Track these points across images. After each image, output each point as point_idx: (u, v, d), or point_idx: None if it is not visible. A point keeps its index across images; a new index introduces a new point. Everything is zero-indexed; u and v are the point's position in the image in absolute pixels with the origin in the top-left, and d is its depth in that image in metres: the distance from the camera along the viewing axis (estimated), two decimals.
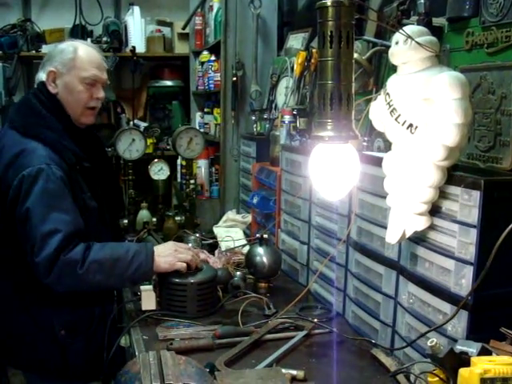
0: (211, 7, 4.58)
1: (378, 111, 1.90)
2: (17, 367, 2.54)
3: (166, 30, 5.49)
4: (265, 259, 2.63)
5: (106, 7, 5.35)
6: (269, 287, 2.68)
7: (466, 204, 1.62)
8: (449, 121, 1.62)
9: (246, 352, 2.05)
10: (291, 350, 2.08)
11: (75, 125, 2.48)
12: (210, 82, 4.56)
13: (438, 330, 1.72)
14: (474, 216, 1.59)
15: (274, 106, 3.74)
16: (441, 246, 1.75)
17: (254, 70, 4.03)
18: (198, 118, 5.10)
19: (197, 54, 5.04)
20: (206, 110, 4.94)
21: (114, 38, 5.19)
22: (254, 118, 3.89)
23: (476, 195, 1.58)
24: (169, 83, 5.55)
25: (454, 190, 1.68)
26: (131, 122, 4.98)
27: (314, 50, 3.09)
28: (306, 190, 2.67)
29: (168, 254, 2.38)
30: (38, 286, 2.31)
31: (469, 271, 1.62)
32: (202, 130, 4.40)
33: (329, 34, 1.63)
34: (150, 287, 2.45)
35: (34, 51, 5.05)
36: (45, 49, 4.94)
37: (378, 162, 1.96)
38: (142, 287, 2.45)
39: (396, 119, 1.78)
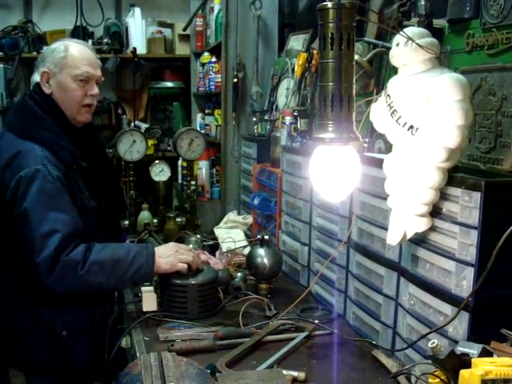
0: (212, 8, 4.58)
1: (378, 113, 1.90)
2: (18, 368, 2.55)
3: (167, 32, 5.49)
4: (266, 260, 2.63)
5: (106, 8, 5.35)
6: (270, 288, 2.68)
7: (467, 205, 1.62)
8: (449, 122, 1.62)
9: (246, 353, 2.05)
10: (292, 352, 2.08)
11: (72, 124, 2.47)
12: (211, 83, 4.56)
13: (438, 332, 1.72)
14: (474, 217, 1.59)
15: (274, 107, 3.74)
16: (441, 247, 1.75)
17: (255, 71, 4.03)
18: (198, 119, 5.11)
19: (198, 55, 5.04)
20: (206, 111, 4.94)
21: (115, 40, 5.19)
22: (254, 119, 3.90)
23: (477, 197, 1.58)
24: (170, 84, 5.55)
25: (455, 191, 1.68)
26: (132, 124, 4.97)
27: (314, 52, 3.09)
28: (306, 192, 2.67)
29: (169, 255, 2.38)
30: (38, 286, 2.32)
31: (469, 273, 1.62)
32: (202, 132, 4.40)
33: (330, 35, 1.63)
34: (151, 288, 2.45)
35: (35, 52, 5.03)
36: None
37: (378, 164, 1.96)
38: (142, 288, 2.45)
39: (397, 121, 1.78)
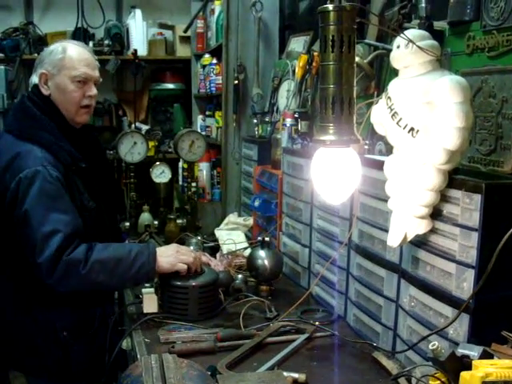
0: (213, 10, 4.59)
1: (379, 115, 1.90)
2: (19, 370, 2.55)
3: (168, 33, 5.49)
4: (266, 262, 2.63)
5: (107, 10, 5.34)
6: (270, 290, 2.68)
7: (467, 207, 1.62)
8: (450, 124, 1.63)
9: (247, 355, 2.05)
10: (293, 353, 2.08)
11: (70, 125, 2.47)
12: (212, 85, 4.56)
13: (439, 334, 1.72)
14: (475, 219, 1.60)
15: (275, 109, 3.75)
16: (442, 249, 1.75)
17: (256, 73, 4.03)
18: (199, 120, 5.11)
19: (198, 57, 5.05)
20: (207, 112, 4.95)
21: (116, 41, 5.19)
22: (255, 121, 3.90)
23: (477, 199, 1.58)
24: (170, 86, 5.55)
25: (455, 193, 1.68)
26: (133, 125, 4.98)
27: (315, 54, 3.09)
28: (307, 193, 2.67)
29: (170, 255, 2.39)
30: (38, 287, 2.33)
31: (470, 274, 1.62)
32: (203, 133, 4.40)
33: (330, 38, 1.64)
34: (152, 290, 2.45)
35: (36, 54, 5.02)
36: None
37: (379, 166, 1.96)
38: (143, 290, 2.46)
39: (397, 123, 1.78)
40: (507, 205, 1.60)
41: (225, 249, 3.20)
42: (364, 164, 1.93)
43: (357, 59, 1.78)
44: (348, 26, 1.63)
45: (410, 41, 1.73)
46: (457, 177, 1.72)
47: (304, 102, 3.24)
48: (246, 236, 3.49)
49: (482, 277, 1.57)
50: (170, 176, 3.98)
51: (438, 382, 1.53)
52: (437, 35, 2.04)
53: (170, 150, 4.79)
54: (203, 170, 4.53)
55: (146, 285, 2.54)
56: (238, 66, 4.06)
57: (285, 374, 1.83)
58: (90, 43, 5.14)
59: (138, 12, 5.29)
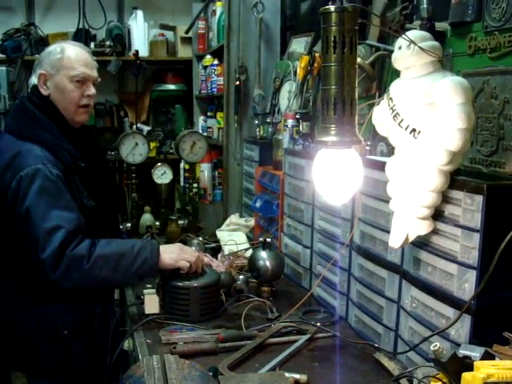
0: (214, 11, 4.59)
1: (381, 116, 1.90)
2: (20, 370, 2.55)
3: (169, 34, 5.50)
4: (268, 263, 2.63)
5: (109, 11, 5.35)
6: (272, 291, 2.68)
7: (469, 208, 1.62)
8: (452, 125, 1.63)
9: (249, 356, 2.05)
10: (294, 354, 2.08)
11: (70, 125, 2.48)
12: (213, 85, 4.57)
13: (441, 335, 1.72)
14: (476, 220, 1.60)
15: (276, 109, 3.75)
16: (444, 250, 1.75)
17: (257, 73, 4.03)
18: (200, 121, 5.11)
19: (200, 57, 5.05)
20: (208, 113, 4.95)
21: (117, 42, 5.20)
22: (256, 121, 3.89)
23: (479, 200, 1.58)
24: (172, 87, 5.56)
25: (457, 194, 1.68)
26: (134, 126, 4.97)
27: (316, 54, 3.09)
28: (308, 194, 2.67)
29: (173, 251, 2.40)
30: (38, 286, 2.35)
31: (472, 275, 1.62)
32: (204, 134, 4.40)
33: (332, 39, 1.64)
34: (153, 291, 2.46)
35: (37, 55, 5.03)
36: None
37: (380, 167, 1.96)
38: (145, 291, 2.46)
39: (399, 124, 1.78)
40: (509, 206, 1.60)
41: (226, 250, 3.20)
42: (365, 165, 1.92)
43: (358, 60, 1.77)
44: (350, 27, 1.64)
45: (412, 42, 1.73)
46: (458, 178, 1.72)
47: (305, 103, 3.24)
48: (248, 237, 3.49)
49: (483, 278, 1.57)
50: (172, 177, 3.98)
51: (440, 382, 1.53)
52: (438, 36, 2.04)
53: (171, 150, 4.79)
54: (204, 170, 4.54)
55: (148, 285, 2.55)
56: (239, 67, 4.06)
57: (286, 374, 1.83)
58: (92, 44, 5.15)
59: (140, 13, 5.29)
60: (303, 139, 2.96)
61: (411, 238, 1.82)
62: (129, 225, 3.68)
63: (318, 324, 2.27)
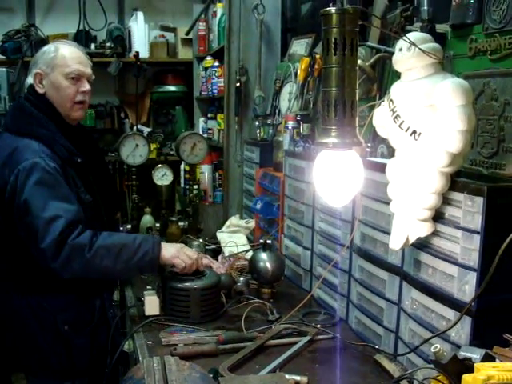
0: (215, 13, 4.59)
1: (381, 117, 1.90)
2: (20, 369, 2.57)
3: (170, 36, 5.50)
4: (268, 265, 2.63)
5: (109, 13, 5.35)
6: (272, 293, 2.68)
7: (470, 210, 1.62)
8: (452, 127, 1.63)
9: (249, 357, 2.05)
10: (294, 356, 2.08)
11: (66, 122, 2.51)
12: (214, 87, 4.57)
13: (441, 336, 1.72)
14: (477, 222, 1.60)
15: (277, 111, 3.75)
16: (444, 252, 1.75)
17: (258, 75, 4.03)
18: (201, 123, 5.11)
19: (200, 59, 5.06)
20: (209, 115, 4.95)
21: (118, 44, 5.20)
22: (257, 123, 3.89)
23: (479, 201, 1.58)
24: (172, 88, 5.56)
25: (458, 196, 1.68)
26: (135, 128, 4.97)
27: (317, 56, 3.10)
28: (309, 196, 2.67)
29: (174, 246, 2.44)
30: (38, 281, 2.38)
31: (472, 277, 1.62)
32: (205, 136, 4.40)
33: (333, 41, 1.64)
34: (154, 292, 2.46)
35: None
36: None
37: (381, 169, 1.96)
38: (145, 292, 2.47)
39: (399, 126, 1.78)
40: (509, 207, 1.60)
41: (227, 251, 3.20)
42: (366, 167, 1.92)
43: (359, 62, 1.78)
44: (350, 28, 1.64)
45: (413, 43, 1.73)
46: (459, 180, 1.72)
47: (306, 105, 3.25)
48: (248, 238, 3.49)
49: (483, 279, 1.57)
50: (172, 178, 3.98)
51: None
52: (439, 38, 2.04)
53: (171, 152, 4.79)
54: (205, 172, 4.53)
55: (148, 287, 2.55)
56: (239, 69, 4.06)
57: (287, 376, 1.83)
58: (92, 45, 5.15)
59: (140, 14, 5.29)
60: (304, 141, 2.96)
61: (412, 240, 1.82)
62: (129, 226, 3.68)
63: (319, 326, 2.28)
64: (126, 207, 4.02)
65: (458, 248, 1.67)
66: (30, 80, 2.51)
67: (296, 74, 3.43)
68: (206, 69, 4.81)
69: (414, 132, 1.75)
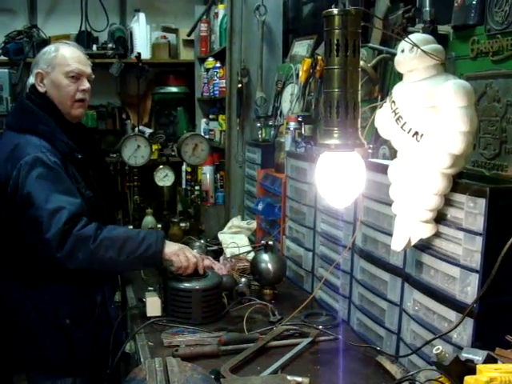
0: (216, 14, 4.59)
1: (383, 119, 1.90)
2: (22, 367, 2.58)
3: (172, 37, 5.50)
4: (270, 266, 2.63)
5: (111, 14, 5.35)
6: (274, 294, 2.68)
7: (472, 212, 1.62)
8: (454, 129, 1.63)
9: (251, 359, 2.05)
10: (296, 357, 2.08)
11: (67, 120, 2.56)
12: (215, 88, 4.57)
13: (443, 338, 1.72)
14: (479, 224, 1.60)
15: (279, 112, 3.75)
16: (446, 253, 1.75)
17: (260, 76, 4.03)
18: (203, 124, 5.11)
19: (202, 60, 5.05)
20: (211, 116, 4.94)
21: (120, 45, 5.19)
22: (259, 124, 3.89)
23: (481, 203, 1.58)
24: (174, 89, 5.55)
25: (460, 197, 1.68)
26: (136, 129, 4.98)
27: (319, 57, 3.09)
28: (311, 197, 2.67)
29: (177, 245, 2.46)
30: (40, 275, 2.42)
31: (474, 279, 1.62)
32: (207, 137, 4.40)
33: (335, 42, 1.64)
34: (155, 293, 2.46)
35: None
36: None
37: (383, 170, 1.96)
38: (147, 293, 2.47)
39: (402, 127, 1.78)
40: (511, 209, 1.59)
41: (228, 252, 3.20)
42: (368, 168, 1.92)
43: (361, 63, 1.77)
44: (353, 30, 1.64)
45: (415, 45, 1.73)
46: (461, 181, 1.72)
47: (307, 106, 3.25)
48: (250, 240, 3.49)
49: (486, 281, 1.57)
50: (174, 179, 3.98)
51: None
52: (441, 39, 2.04)
53: (173, 153, 4.77)
54: (206, 173, 4.53)
55: (150, 288, 2.55)
56: (241, 70, 4.06)
57: (288, 377, 1.82)
58: (94, 46, 5.14)
59: (142, 15, 5.29)
60: (305, 142, 2.96)
61: (414, 241, 1.82)
62: (131, 227, 3.68)
63: (320, 327, 2.28)
64: (128, 208, 4.02)
65: (460, 249, 1.67)
66: (31, 80, 2.56)
67: (298, 75, 3.43)
68: (207, 70, 4.81)
69: (416, 133, 1.75)
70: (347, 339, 2.19)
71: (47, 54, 2.55)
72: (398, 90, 1.84)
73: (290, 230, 2.99)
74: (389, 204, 1.93)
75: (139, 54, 4.94)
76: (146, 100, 5.62)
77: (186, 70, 5.50)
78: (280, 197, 3.11)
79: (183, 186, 4.62)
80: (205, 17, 4.89)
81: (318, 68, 3.12)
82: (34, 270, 2.43)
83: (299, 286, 2.85)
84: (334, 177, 1.77)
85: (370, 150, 2.42)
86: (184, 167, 4.55)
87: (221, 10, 4.47)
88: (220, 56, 4.50)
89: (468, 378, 1.37)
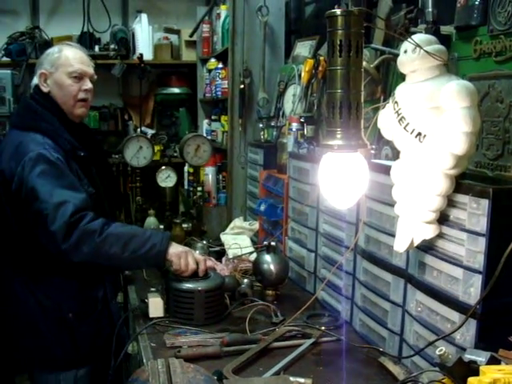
0: (219, 15, 4.59)
1: (386, 120, 1.90)
2: (24, 366, 2.60)
3: (174, 38, 5.50)
4: (272, 267, 2.63)
5: (113, 15, 5.35)
6: (276, 295, 2.68)
7: (475, 212, 1.62)
8: (457, 129, 1.62)
9: (253, 360, 2.05)
10: (299, 358, 2.08)
11: (70, 119, 2.60)
12: (218, 89, 4.57)
13: (446, 339, 1.72)
14: (482, 224, 1.59)
15: (281, 113, 3.75)
16: (449, 254, 1.75)
17: (262, 77, 4.03)
18: (205, 125, 5.11)
19: (204, 61, 5.05)
20: (213, 117, 4.95)
21: (122, 46, 5.19)
22: (261, 125, 3.89)
23: (484, 204, 1.58)
24: (176, 90, 5.55)
25: (463, 198, 1.68)
26: (138, 130, 4.98)
27: (321, 58, 3.09)
28: (313, 198, 2.67)
29: (181, 247, 2.47)
30: (42, 271, 2.45)
31: (477, 280, 1.62)
32: (209, 138, 4.40)
33: (338, 43, 1.64)
34: (158, 294, 2.46)
35: None
36: None
37: (386, 171, 1.96)
38: (149, 294, 2.47)
39: (404, 128, 1.78)
40: None
41: (230, 253, 3.20)
42: (371, 169, 1.92)
43: (363, 64, 1.77)
44: (356, 30, 1.64)
45: (418, 45, 1.73)
46: (464, 182, 1.71)
47: (310, 107, 3.24)
48: (252, 240, 3.49)
49: (489, 282, 1.57)
50: (176, 180, 3.98)
51: None
52: (444, 40, 2.04)
53: (175, 154, 4.79)
54: (209, 174, 4.53)
55: (152, 289, 2.55)
56: (243, 71, 4.06)
57: (291, 378, 1.83)
58: (96, 47, 5.15)
59: (144, 16, 5.30)
60: (308, 143, 2.95)
61: (416, 242, 1.82)
62: None
63: (323, 328, 2.27)
64: (130, 209, 4.02)
65: (463, 250, 1.67)
66: (35, 80, 2.61)
67: (300, 76, 3.42)
68: (209, 71, 4.81)
69: (419, 134, 1.74)
70: (350, 340, 2.19)
71: (51, 54, 2.60)
72: (400, 91, 1.84)
73: (293, 231, 2.99)
74: (391, 205, 1.93)
75: (141, 54, 4.94)
76: (148, 101, 5.62)
77: (188, 70, 5.50)
78: (282, 198, 3.11)
79: (185, 187, 4.62)
80: (207, 18, 4.89)
81: (320, 69, 3.11)
82: (37, 265, 2.46)
83: (302, 286, 2.84)
84: (337, 178, 1.77)
85: (372, 151, 2.42)
86: (186, 168, 4.55)
87: (223, 10, 4.47)
88: (222, 57, 4.50)
89: (471, 380, 1.37)
